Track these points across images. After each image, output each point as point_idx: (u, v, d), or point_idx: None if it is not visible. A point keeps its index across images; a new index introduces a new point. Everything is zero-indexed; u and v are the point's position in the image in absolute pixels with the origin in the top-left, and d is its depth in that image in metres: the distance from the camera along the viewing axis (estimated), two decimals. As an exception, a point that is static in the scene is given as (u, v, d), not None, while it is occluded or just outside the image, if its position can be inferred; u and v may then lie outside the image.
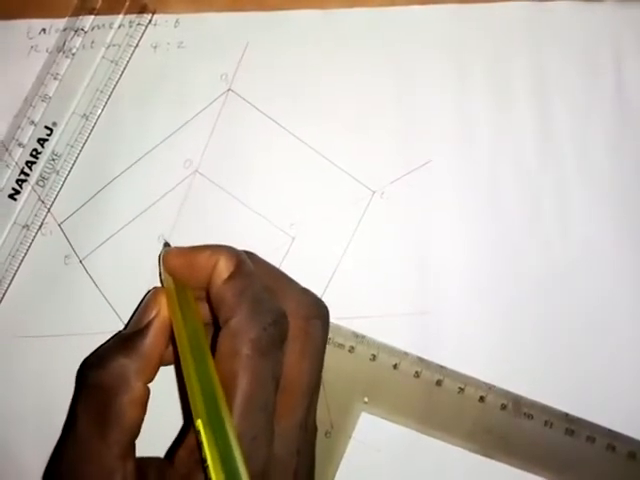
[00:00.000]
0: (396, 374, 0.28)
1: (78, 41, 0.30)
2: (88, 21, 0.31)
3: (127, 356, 0.23)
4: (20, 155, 0.30)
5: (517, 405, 0.28)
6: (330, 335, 0.28)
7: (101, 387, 0.22)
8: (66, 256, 0.29)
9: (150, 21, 0.30)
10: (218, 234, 0.29)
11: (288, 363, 0.23)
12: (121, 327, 0.29)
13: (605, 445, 0.28)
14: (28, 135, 0.30)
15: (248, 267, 0.23)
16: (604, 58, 0.30)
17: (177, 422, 0.28)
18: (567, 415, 0.28)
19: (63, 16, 0.31)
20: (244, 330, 0.21)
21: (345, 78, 0.30)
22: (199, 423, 0.20)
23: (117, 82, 0.30)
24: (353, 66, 0.30)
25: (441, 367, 0.28)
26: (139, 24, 0.30)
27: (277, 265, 0.29)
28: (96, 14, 0.31)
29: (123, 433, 0.22)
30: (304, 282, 0.25)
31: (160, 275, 0.27)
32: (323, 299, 0.25)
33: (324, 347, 0.24)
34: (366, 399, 0.28)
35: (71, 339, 0.29)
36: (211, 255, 0.23)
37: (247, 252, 0.25)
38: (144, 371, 0.23)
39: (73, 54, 0.30)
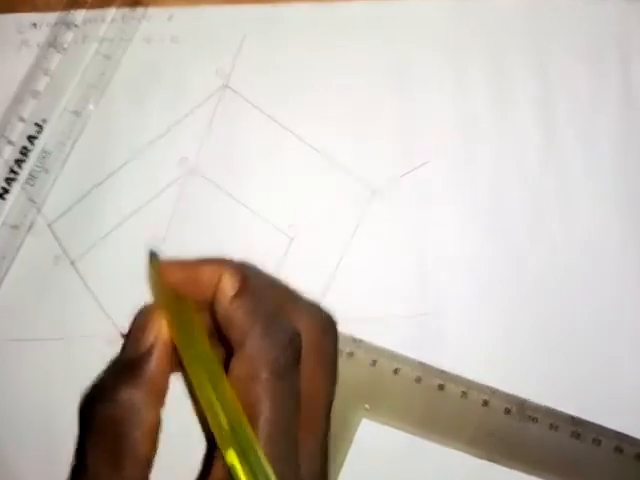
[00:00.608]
0: (397, 379, 0.28)
1: (70, 36, 0.30)
2: (80, 15, 0.30)
3: (134, 386, 0.21)
4: (9, 153, 0.30)
5: (521, 408, 0.28)
6: (330, 341, 0.28)
7: (111, 421, 0.21)
8: (56, 257, 0.29)
9: (143, 15, 0.30)
10: (214, 234, 0.29)
11: (304, 382, 0.22)
12: (113, 330, 0.28)
13: (612, 447, 0.27)
14: (17, 132, 0.30)
15: (254, 282, 0.23)
16: (610, 56, 0.30)
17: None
18: (573, 418, 0.28)
19: (54, 10, 0.30)
20: (260, 353, 0.21)
21: (343, 74, 0.30)
22: (231, 455, 0.19)
23: (110, 78, 0.30)
24: (351, 61, 0.30)
25: (442, 372, 0.28)
26: (132, 18, 0.30)
27: (275, 267, 0.28)
28: (88, 8, 0.30)
29: (138, 468, 0.21)
30: (302, 284, 0.25)
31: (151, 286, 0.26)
32: (322, 301, 0.25)
33: (337, 361, 0.24)
34: (367, 406, 0.28)
35: (62, 342, 0.28)
36: (214, 270, 0.22)
37: (246, 263, 0.24)
38: (154, 400, 0.22)
39: (65, 49, 0.30)
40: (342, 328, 0.28)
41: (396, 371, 0.28)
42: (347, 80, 0.30)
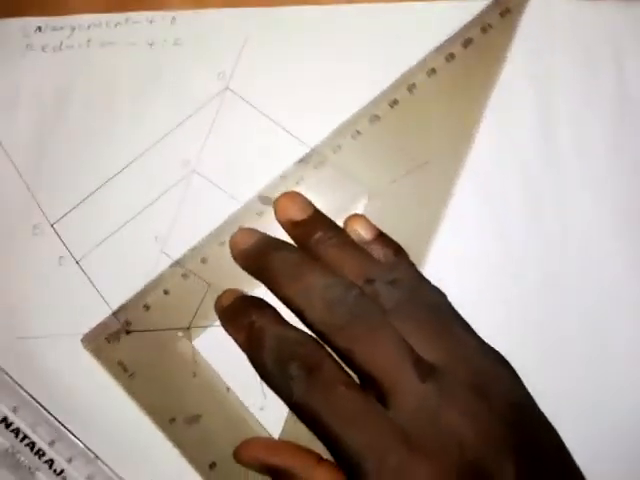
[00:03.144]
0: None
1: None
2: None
3: None
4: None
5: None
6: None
7: None
8: (61, 257, 0.29)
9: (146, 18, 0.30)
10: (216, 234, 0.29)
11: None
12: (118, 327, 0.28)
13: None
14: (23, 134, 0.30)
15: None
16: (604, 57, 0.30)
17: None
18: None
19: (59, 14, 0.31)
20: None
21: (345, 76, 0.30)
22: None
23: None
24: (353, 63, 0.30)
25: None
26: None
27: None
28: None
29: None
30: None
31: None
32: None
33: None
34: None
35: (68, 339, 0.28)
36: None
37: None
38: None
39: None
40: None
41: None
42: (348, 83, 0.30)
